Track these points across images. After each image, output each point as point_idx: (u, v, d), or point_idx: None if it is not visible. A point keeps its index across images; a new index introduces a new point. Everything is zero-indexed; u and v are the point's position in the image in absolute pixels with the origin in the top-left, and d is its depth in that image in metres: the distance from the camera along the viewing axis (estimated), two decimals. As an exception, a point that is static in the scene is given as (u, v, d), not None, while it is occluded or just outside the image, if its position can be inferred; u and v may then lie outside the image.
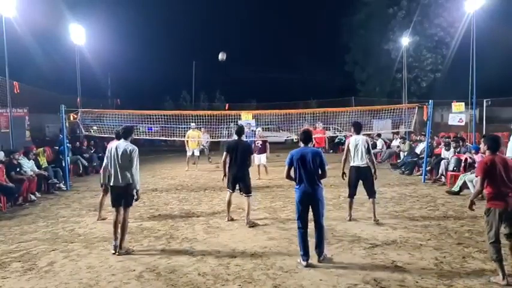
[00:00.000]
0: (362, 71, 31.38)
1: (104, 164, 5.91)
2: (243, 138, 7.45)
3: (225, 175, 7.08)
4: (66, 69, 19.67)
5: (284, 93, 30.96)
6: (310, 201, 5.11)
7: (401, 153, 14.55)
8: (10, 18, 11.08)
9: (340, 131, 16.10)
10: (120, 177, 5.49)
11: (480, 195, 5.06)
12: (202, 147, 15.69)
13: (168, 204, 8.65)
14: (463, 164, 10.03)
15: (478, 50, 14.00)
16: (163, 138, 15.18)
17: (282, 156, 12.26)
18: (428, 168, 11.32)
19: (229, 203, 7.11)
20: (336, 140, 20.80)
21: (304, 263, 4.94)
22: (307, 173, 5.07)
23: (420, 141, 13.74)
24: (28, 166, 9.59)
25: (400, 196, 9.13)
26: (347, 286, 4.37)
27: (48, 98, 18.43)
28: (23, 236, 6.48)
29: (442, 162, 10.82)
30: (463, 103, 14.78)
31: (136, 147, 5.58)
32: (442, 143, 12.23)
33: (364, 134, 7.35)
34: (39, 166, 10.34)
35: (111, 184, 5.59)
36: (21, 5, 11.78)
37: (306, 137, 5.33)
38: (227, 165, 6.94)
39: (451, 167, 10.47)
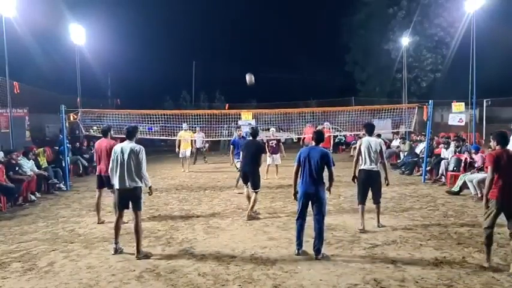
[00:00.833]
0: (362, 71, 31.39)
1: (109, 167, 5.58)
2: (257, 138, 7.98)
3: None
4: (66, 69, 19.65)
5: (284, 93, 30.86)
6: (311, 199, 5.27)
7: (401, 153, 14.54)
8: (10, 18, 11.09)
9: (340, 130, 16.09)
10: (127, 179, 5.31)
11: (480, 195, 5.12)
12: (202, 146, 15.70)
13: (168, 205, 8.65)
14: (463, 164, 10.05)
15: (478, 50, 14.03)
16: (164, 138, 15.17)
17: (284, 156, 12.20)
18: (428, 168, 11.31)
19: (248, 197, 7.47)
20: (336, 140, 20.74)
21: (296, 252, 5.27)
22: (312, 171, 5.21)
23: (420, 141, 13.73)
24: (28, 166, 9.59)
25: (400, 196, 9.12)
26: (347, 286, 4.37)
27: (48, 98, 18.38)
28: (23, 236, 6.49)
29: (442, 162, 10.82)
30: (463, 103, 14.81)
31: (142, 147, 5.45)
32: (442, 143, 12.23)
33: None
34: (39, 166, 10.34)
35: (117, 187, 5.40)
36: (21, 5, 11.78)
37: (319, 137, 5.51)
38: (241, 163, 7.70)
39: (451, 167, 10.47)
